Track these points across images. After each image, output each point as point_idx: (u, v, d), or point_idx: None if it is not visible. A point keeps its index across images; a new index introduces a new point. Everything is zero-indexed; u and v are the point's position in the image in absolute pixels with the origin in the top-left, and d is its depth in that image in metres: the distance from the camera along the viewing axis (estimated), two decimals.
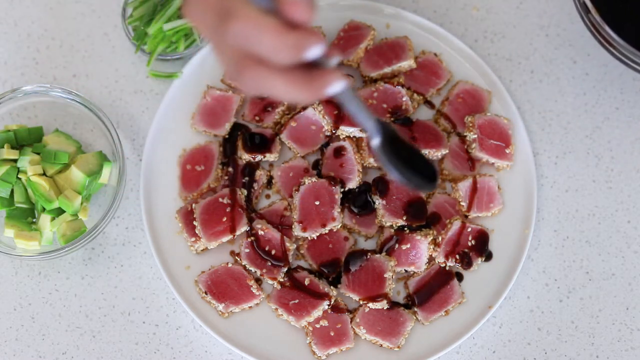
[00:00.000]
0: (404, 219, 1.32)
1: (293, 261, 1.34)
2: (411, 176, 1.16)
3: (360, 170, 1.34)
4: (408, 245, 1.32)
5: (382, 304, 1.29)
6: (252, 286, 1.31)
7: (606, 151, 1.39)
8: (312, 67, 0.96)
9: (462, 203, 1.35)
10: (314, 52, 0.94)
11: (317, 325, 1.30)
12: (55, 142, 1.33)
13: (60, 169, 1.31)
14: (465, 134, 1.37)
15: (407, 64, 1.38)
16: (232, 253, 1.34)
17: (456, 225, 1.33)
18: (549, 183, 1.38)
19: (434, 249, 1.33)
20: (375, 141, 1.12)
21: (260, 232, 1.32)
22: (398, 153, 1.15)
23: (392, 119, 1.37)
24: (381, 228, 1.34)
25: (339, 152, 1.35)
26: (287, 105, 1.37)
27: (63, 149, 1.32)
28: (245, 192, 1.34)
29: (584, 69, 1.42)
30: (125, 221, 1.37)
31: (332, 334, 1.30)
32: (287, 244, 1.32)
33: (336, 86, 0.96)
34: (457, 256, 1.33)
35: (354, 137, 1.35)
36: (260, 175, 1.36)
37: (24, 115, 1.38)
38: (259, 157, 1.36)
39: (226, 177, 1.36)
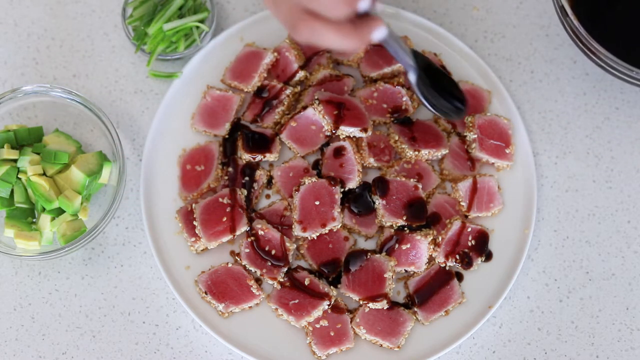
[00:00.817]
0: (404, 219, 1.32)
1: (293, 261, 1.34)
2: (445, 105, 1.30)
3: (360, 170, 1.34)
4: (408, 245, 1.32)
5: (382, 304, 1.29)
6: (252, 286, 1.31)
7: (606, 151, 1.39)
8: (356, 17, 1.10)
9: (462, 203, 1.35)
10: (364, 4, 1.08)
11: (317, 325, 1.30)
12: (55, 142, 1.33)
13: (60, 169, 1.31)
14: (465, 134, 1.37)
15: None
16: (232, 253, 1.34)
17: (456, 225, 1.33)
18: (549, 183, 1.38)
19: (434, 249, 1.33)
20: (412, 77, 1.26)
21: (260, 232, 1.32)
22: (432, 84, 1.29)
23: (392, 119, 1.37)
24: (381, 228, 1.34)
25: (339, 152, 1.35)
26: (287, 105, 1.37)
27: (63, 149, 1.32)
28: (245, 192, 1.34)
29: (584, 69, 1.42)
30: (125, 221, 1.37)
31: (332, 334, 1.30)
32: (287, 244, 1.32)
33: (380, 32, 1.11)
34: (457, 256, 1.33)
35: (354, 137, 1.35)
36: (260, 175, 1.36)
37: (24, 115, 1.38)
38: (259, 157, 1.36)
39: (226, 177, 1.36)
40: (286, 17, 1.11)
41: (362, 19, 1.11)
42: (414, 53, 1.27)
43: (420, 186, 1.33)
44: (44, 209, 1.31)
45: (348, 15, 1.08)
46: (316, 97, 1.34)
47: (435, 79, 1.30)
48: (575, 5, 1.26)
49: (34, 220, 1.33)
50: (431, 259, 1.34)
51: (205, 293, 1.31)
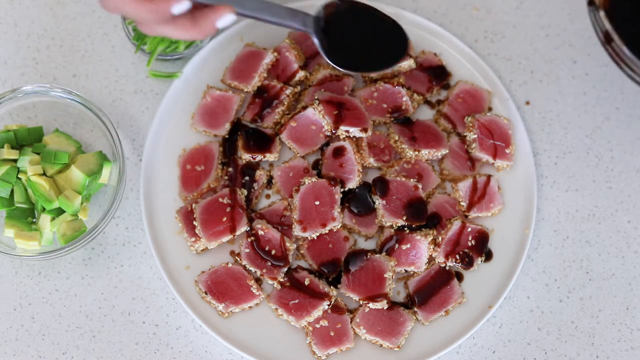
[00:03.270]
0: (404, 219, 1.32)
1: (293, 261, 1.34)
2: (364, 61, 1.25)
3: (360, 170, 1.34)
4: (408, 245, 1.32)
5: (382, 304, 1.29)
6: (252, 286, 1.31)
7: (606, 151, 1.39)
8: (196, 8, 1.08)
9: (462, 203, 1.35)
10: (179, 9, 1.06)
11: (317, 325, 1.30)
12: (55, 142, 1.33)
13: (60, 169, 1.31)
14: (465, 134, 1.37)
15: (407, 64, 1.38)
16: (232, 253, 1.34)
17: (456, 225, 1.33)
18: (549, 183, 1.38)
19: (434, 249, 1.33)
20: (315, 39, 1.22)
21: (260, 232, 1.32)
22: (347, 37, 1.25)
23: (392, 119, 1.37)
24: (381, 228, 1.34)
25: (339, 152, 1.35)
26: (287, 105, 1.37)
27: (63, 149, 1.32)
28: (245, 192, 1.34)
29: (584, 69, 1.42)
30: (125, 221, 1.37)
31: (332, 334, 1.30)
32: (287, 244, 1.32)
33: (224, 20, 1.09)
34: (457, 256, 1.33)
35: (354, 137, 1.35)
36: (260, 175, 1.36)
37: (24, 115, 1.38)
38: (259, 157, 1.36)
39: (226, 177, 1.36)
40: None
41: (202, 9, 1.09)
42: (325, 7, 1.23)
43: (420, 186, 1.34)
44: (44, 209, 1.31)
45: (165, 20, 1.08)
46: (316, 97, 1.34)
47: (357, 26, 1.25)
48: (618, 29, 1.20)
49: (34, 220, 1.33)
50: (431, 259, 1.34)
51: (205, 293, 1.31)
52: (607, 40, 1.22)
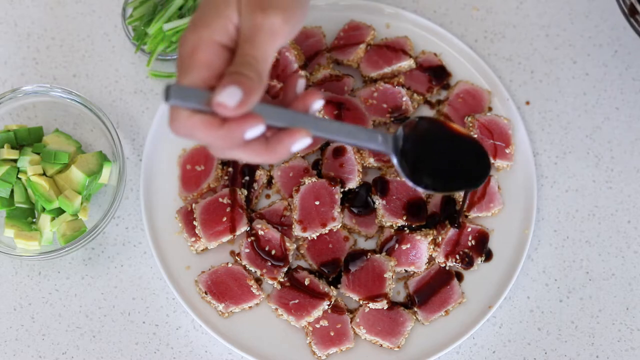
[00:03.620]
0: (404, 219, 1.32)
1: (293, 261, 1.34)
2: (447, 181, 1.19)
3: (360, 170, 1.34)
4: (408, 245, 1.32)
5: (382, 304, 1.29)
6: (252, 286, 1.31)
7: (606, 151, 1.39)
8: (278, 130, 1.01)
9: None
10: (251, 134, 0.98)
11: (317, 325, 1.30)
12: (55, 142, 1.33)
13: (60, 169, 1.31)
14: None
15: (407, 64, 1.38)
16: (232, 253, 1.34)
17: None
18: (549, 183, 1.38)
19: (434, 249, 1.33)
20: (394, 160, 1.14)
21: (260, 232, 1.32)
22: (427, 156, 1.18)
23: (392, 119, 1.37)
24: (381, 228, 1.34)
25: (339, 152, 1.35)
26: None
27: (63, 149, 1.32)
28: (245, 192, 1.34)
29: (584, 69, 1.42)
30: (125, 221, 1.37)
31: (332, 334, 1.30)
32: (287, 244, 1.32)
33: (300, 144, 1.01)
34: (457, 256, 1.33)
35: None
36: (260, 175, 1.36)
37: (24, 115, 1.38)
38: None
39: (226, 177, 1.36)
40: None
41: (277, 132, 1.01)
42: (405, 126, 1.16)
43: None
44: (44, 209, 1.31)
45: (238, 146, 1.00)
46: None
47: (438, 144, 1.19)
48: None
49: (34, 220, 1.33)
50: (431, 259, 1.34)
51: (205, 293, 1.31)
52: (631, 13, 1.22)
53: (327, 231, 1.31)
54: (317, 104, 1.04)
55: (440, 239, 1.33)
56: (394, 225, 1.33)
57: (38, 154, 1.32)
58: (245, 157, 1.01)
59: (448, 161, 1.20)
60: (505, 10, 1.44)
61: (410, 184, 1.16)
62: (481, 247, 1.33)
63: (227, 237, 1.32)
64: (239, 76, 0.98)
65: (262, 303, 1.32)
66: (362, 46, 1.39)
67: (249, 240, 1.32)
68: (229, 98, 0.96)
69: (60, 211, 1.31)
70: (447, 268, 1.33)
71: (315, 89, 1.03)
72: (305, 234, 1.31)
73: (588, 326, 1.34)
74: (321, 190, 1.32)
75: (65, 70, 1.41)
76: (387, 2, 1.42)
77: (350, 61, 1.40)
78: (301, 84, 1.06)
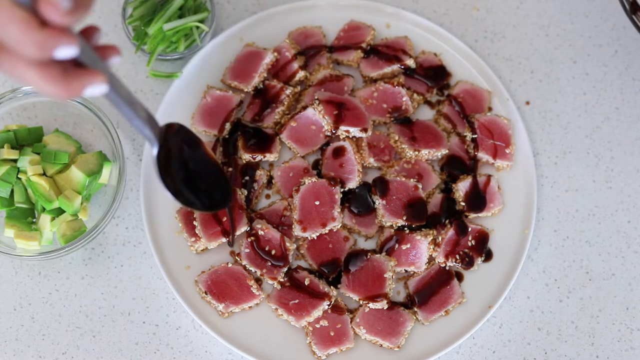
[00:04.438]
0: (404, 219, 1.32)
1: (293, 261, 1.34)
2: (187, 195, 1.16)
3: (360, 170, 1.34)
4: (408, 245, 1.32)
5: (382, 304, 1.29)
6: (252, 286, 1.31)
7: (606, 151, 1.39)
8: (78, 65, 0.94)
9: (462, 203, 1.35)
10: (63, 53, 0.91)
11: (317, 325, 1.30)
12: (55, 142, 1.33)
13: (60, 169, 1.31)
14: (465, 134, 1.37)
15: (407, 64, 1.38)
16: (232, 253, 1.34)
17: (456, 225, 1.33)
18: (549, 183, 1.38)
19: (434, 249, 1.33)
20: (154, 150, 1.10)
21: (260, 232, 1.32)
22: (179, 167, 1.15)
23: (392, 119, 1.37)
24: (381, 228, 1.34)
25: (339, 152, 1.35)
26: (287, 105, 1.37)
27: (63, 149, 1.32)
28: (245, 192, 1.34)
29: (584, 69, 1.42)
30: (125, 221, 1.37)
31: (332, 334, 1.30)
32: (287, 244, 1.32)
33: (95, 89, 0.94)
34: (457, 256, 1.33)
35: (354, 137, 1.35)
36: (260, 175, 1.36)
37: (24, 115, 1.38)
38: (259, 157, 1.36)
39: None
40: None
41: (80, 68, 0.94)
42: (168, 127, 1.13)
43: (420, 186, 1.33)
44: (44, 209, 1.31)
45: (45, 58, 0.91)
46: (316, 97, 1.34)
47: (192, 161, 1.17)
48: None
49: (34, 220, 1.33)
50: (431, 259, 1.34)
51: (205, 293, 1.31)
52: (633, 10, 1.22)
53: (327, 231, 1.31)
54: (116, 59, 0.97)
55: (440, 239, 1.33)
56: (394, 225, 1.33)
57: (38, 154, 1.32)
58: (35, 80, 0.92)
59: (194, 177, 1.18)
60: (505, 10, 1.44)
61: (160, 180, 1.13)
62: (481, 247, 1.33)
63: (227, 237, 1.32)
64: None
65: (262, 303, 1.32)
66: (362, 46, 1.39)
67: (249, 240, 1.32)
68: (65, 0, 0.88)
69: (60, 211, 1.31)
70: (447, 268, 1.33)
71: (116, 47, 0.98)
72: (305, 234, 1.31)
73: (588, 326, 1.34)
74: (321, 190, 1.32)
75: None
76: (387, 2, 1.42)
77: (350, 61, 1.40)
78: (98, 36, 0.97)
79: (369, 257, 1.31)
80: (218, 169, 1.21)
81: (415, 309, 1.32)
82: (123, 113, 1.03)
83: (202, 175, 1.19)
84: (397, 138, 1.35)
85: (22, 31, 0.88)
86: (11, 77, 0.95)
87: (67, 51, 0.90)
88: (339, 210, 1.32)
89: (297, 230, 1.31)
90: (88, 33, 0.97)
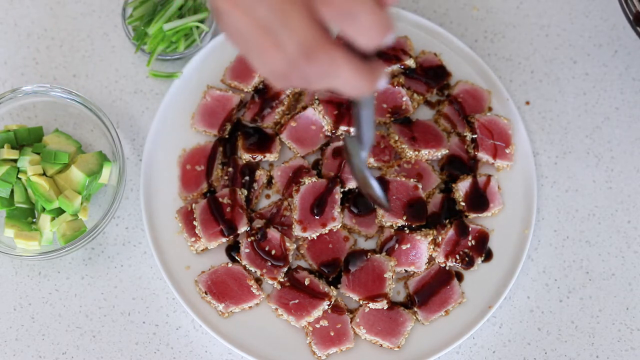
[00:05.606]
0: (404, 219, 1.32)
1: (293, 261, 1.34)
2: (373, 193, 1.18)
3: None
4: (408, 245, 1.32)
5: (382, 304, 1.29)
6: (252, 286, 1.31)
7: (606, 151, 1.39)
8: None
9: (462, 203, 1.35)
10: (383, 84, 0.93)
11: (317, 325, 1.30)
12: (55, 142, 1.33)
13: (60, 169, 1.31)
14: (465, 134, 1.37)
15: (407, 64, 1.38)
16: (230, 255, 1.34)
17: (456, 225, 1.33)
18: (549, 183, 1.38)
19: (434, 249, 1.33)
20: (364, 154, 1.12)
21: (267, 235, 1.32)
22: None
23: (392, 119, 1.37)
24: (381, 228, 1.34)
25: (339, 152, 1.35)
26: (287, 105, 1.37)
27: (63, 149, 1.32)
28: (245, 192, 1.34)
29: (584, 69, 1.42)
30: (125, 221, 1.37)
31: (332, 334, 1.30)
32: (287, 244, 1.32)
33: (384, 80, 0.93)
34: (457, 256, 1.33)
35: None
36: (260, 175, 1.36)
37: (24, 115, 1.38)
38: (259, 157, 1.36)
39: (226, 177, 1.36)
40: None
41: (373, 61, 0.92)
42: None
43: (420, 186, 1.33)
44: (44, 209, 1.31)
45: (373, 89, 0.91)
46: (316, 97, 1.34)
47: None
48: None
49: (34, 220, 1.33)
50: (431, 259, 1.34)
51: (205, 293, 1.31)
52: (637, 22, 1.22)
53: (327, 231, 1.31)
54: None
55: (440, 239, 1.33)
56: (394, 225, 1.33)
57: (38, 154, 1.32)
58: (349, 75, 0.89)
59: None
60: (505, 10, 1.44)
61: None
62: (481, 247, 1.33)
63: (227, 237, 1.32)
64: None
65: (262, 303, 1.32)
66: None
67: (249, 240, 1.32)
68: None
69: (60, 211, 1.31)
70: (447, 268, 1.33)
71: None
72: (305, 234, 1.31)
73: (588, 326, 1.34)
74: (321, 190, 1.32)
75: (65, 70, 1.41)
76: None
77: None
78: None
79: (369, 257, 1.31)
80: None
81: (415, 309, 1.32)
82: (363, 113, 1.02)
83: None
84: (397, 138, 1.35)
85: (349, 73, 0.88)
86: (320, 82, 0.91)
87: (384, 83, 0.92)
88: (339, 210, 1.32)
89: (297, 230, 1.31)
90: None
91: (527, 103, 1.41)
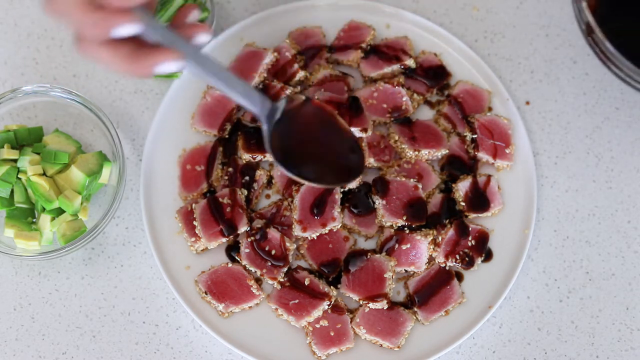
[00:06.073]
0: (404, 219, 1.32)
1: (293, 261, 1.34)
2: (311, 170, 1.19)
3: None
4: (408, 245, 1.32)
5: (382, 304, 1.29)
6: (252, 286, 1.31)
7: (606, 151, 1.39)
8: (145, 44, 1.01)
9: (462, 203, 1.35)
10: (121, 31, 0.98)
11: (317, 325, 1.30)
12: (55, 142, 1.33)
13: (60, 169, 1.31)
14: (465, 134, 1.37)
15: (407, 64, 1.38)
16: (230, 255, 1.34)
17: (456, 225, 1.33)
18: (549, 183, 1.38)
19: (434, 249, 1.33)
20: (265, 127, 1.13)
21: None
22: (301, 141, 1.19)
23: (392, 119, 1.37)
24: (381, 228, 1.34)
25: None
26: None
27: (63, 149, 1.32)
28: (245, 192, 1.34)
29: (584, 69, 1.42)
30: (125, 221, 1.36)
31: (332, 334, 1.30)
32: (287, 244, 1.32)
33: (167, 65, 1.00)
34: (457, 256, 1.33)
35: None
36: (260, 175, 1.36)
37: (24, 115, 1.38)
38: (259, 157, 1.36)
39: (226, 177, 1.36)
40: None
41: (152, 46, 1.01)
42: (290, 100, 1.16)
43: (420, 186, 1.33)
44: (44, 209, 1.31)
45: (108, 38, 0.99)
46: (316, 97, 1.34)
47: (316, 131, 1.19)
48: (600, 22, 1.22)
49: (34, 220, 1.33)
50: (431, 259, 1.34)
51: (205, 293, 1.31)
52: (588, 32, 1.23)
53: (327, 231, 1.31)
54: (202, 37, 1.03)
55: (440, 239, 1.33)
56: (394, 225, 1.33)
57: (38, 154, 1.32)
58: (108, 58, 1.00)
59: (321, 150, 1.20)
60: (505, 10, 1.44)
61: (274, 161, 1.17)
62: (481, 247, 1.33)
63: (227, 237, 1.32)
64: None
65: (262, 303, 1.32)
66: (362, 46, 1.39)
67: (249, 240, 1.32)
68: None
69: (60, 211, 1.31)
70: (447, 268, 1.33)
71: (205, 26, 1.04)
72: (305, 234, 1.31)
73: (588, 326, 1.34)
74: (321, 190, 1.32)
75: (65, 70, 1.41)
76: (387, 2, 1.42)
77: (350, 61, 1.40)
78: (194, 14, 1.04)
79: (369, 257, 1.31)
80: (349, 138, 1.21)
81: (415, 309, 1.32)
82: (221, 90, 1.07)
83: (333, 147, 1.20)
84: (397, 138, 1.35)
85: (82, 15, 0.97)
86: (91, 60, 1.03)
87: (126, 29, 0.98)
88: (339, 210, 1.32)
89: (297, 230, 1.31)
90: (183, 13, 1.04)
91: (527, 103, 1.41)
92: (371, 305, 1.29)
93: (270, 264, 1.31)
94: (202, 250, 1.34)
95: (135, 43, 1.01)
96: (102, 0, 0.98)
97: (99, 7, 0.98)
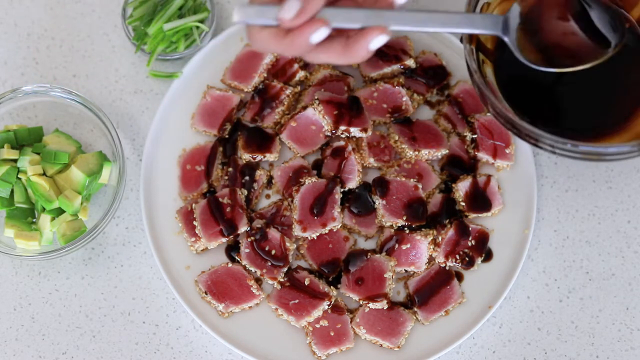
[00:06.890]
0: (404, 219, 1.32)
1: (293, 261, 1.34)
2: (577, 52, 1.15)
3: (360, 170, 1.34)
4: (408, 245, 1.32)
5: (382, 304, 1.29)
6: (252, 286, 1.31)
7: None
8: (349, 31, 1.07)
9: (462, 203, 1.35)
10: (316, 38, 1.05)
11: (317, 325, 1.30)
12: (55, 142, 1.33)
13: (60, 169, 1.32)
14: (465, 134, 1.37)
15: (407, 64, 1.38)
16: (229, 255, 1.34)
17: (456, 225, 1.33)
18: (549, 183, 1.38)
19: (434, 249, 1.33)
20: (507, 39, 1.13)
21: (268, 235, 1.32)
22: (550, 30, 1.15)
23: (392, 119, 1.37)
24: (381, 228, 1.34)
25: (339, 152, 1.35)
26: (287, 105, 1.37)
27: (63, 149, 1.32)
28: (245, 192, 1.34)
29: None
30: (125, 221, 1.37)
31: (332, 334, 1.30)
32: (287, 244, 1.32)
33: (377, 42, 1.05)
34: (457, 256, 1.33)
35: (354, 137, 1.35)
36: (260, 175, 1.36)
37: (24, 115, 1.38)
38: (259, 157, 1.36)
39: (226, 177, 1.36)
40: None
41: (355, 33, 1.06)
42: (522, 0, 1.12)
43: (420, 186, 1.33)
44: (44, 209, 1.31)
45: (307, 50, 1.06)
46: (316, 97, 1.34)
47: (564, 13, 1.13)
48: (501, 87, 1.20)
49: (34, 220, 1.33)
50: (431, 259, 1.34)
51: (205, 293, 1.31)
52: (461, 39, 1.24)
53: (327, 231, 1.31)
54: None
55: (440, 239, 1.33)
56: (394, 225, 1.33)
57: (38, 154, 1.32)
58: (326, 57, 1.06)
59: (575, 31, 1.14)
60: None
61: (530, 64, 1.13)
62: (481, 247, 1.33)
63: (227, 237, 1.32)
64: None
65: (262, 303, 1.32)
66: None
67: (249, 240, 1.32)
68: (286, 12, 1.04)
69: (60, 211, 1.31)
70: (447, 268, 1.33)
71: None
72: (305, 234, 1.31)
73: (588, 326, 1.34)
74: (321, 190, 1.32)
75: (65, 70, 1.41)
76: None
77: None
78: None
79: (369, 257, 1.31)
80: (608, 8, 1.15)
81: (415, 309, 1.32)
82: (443, 32, 1.15)
83: (584, 20, 1.14)
84: (397, 138, 1.35)
85: (275, 44, 1.06)
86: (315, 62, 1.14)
87: (318, 36, 1.04)
88: (339, 210, 1.32)
89: (297, 230, 1.31)
90: None
91: None
92: (371, 305, 1.29)
93: (270, 264, 1.31)
94: (202, 250, 1.34)
95: (339, 33, 1.06)
96: (285, 23, 1.05)
97: (286, 31, 1.05)
